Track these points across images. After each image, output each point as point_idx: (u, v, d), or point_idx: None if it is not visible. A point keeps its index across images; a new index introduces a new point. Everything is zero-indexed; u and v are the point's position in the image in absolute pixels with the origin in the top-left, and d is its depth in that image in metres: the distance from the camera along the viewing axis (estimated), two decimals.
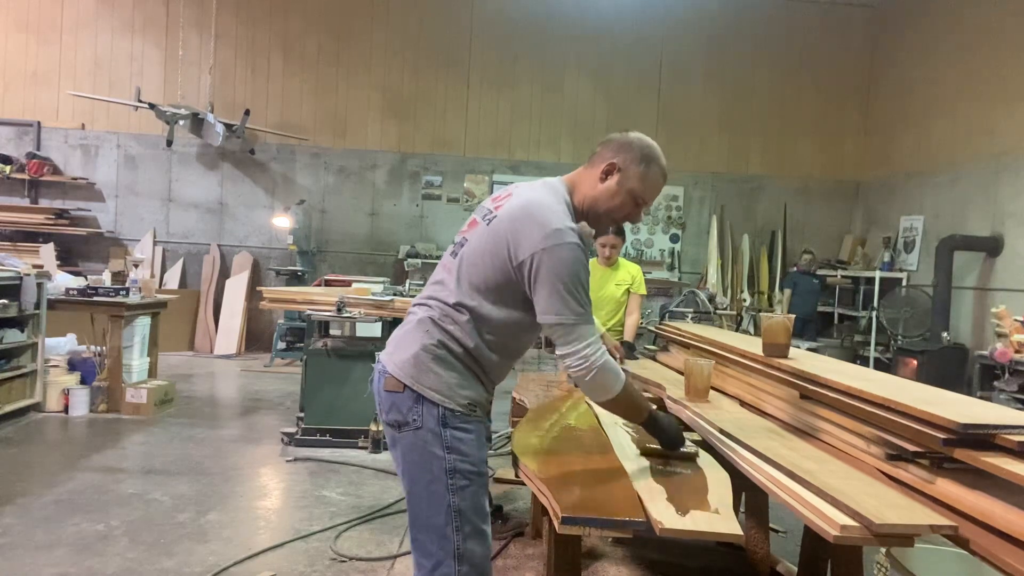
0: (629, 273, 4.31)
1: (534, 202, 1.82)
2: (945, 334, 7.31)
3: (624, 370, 2.08)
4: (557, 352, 1.82)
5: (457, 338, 1.81)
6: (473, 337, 1.81)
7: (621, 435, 2.42)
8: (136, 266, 6.97)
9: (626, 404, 1.92)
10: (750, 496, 3.09)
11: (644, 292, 4.34)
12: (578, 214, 1.91)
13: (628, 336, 4.17)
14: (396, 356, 1.85)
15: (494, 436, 5.13)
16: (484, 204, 1.97)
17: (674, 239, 10.10)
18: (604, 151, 1.91)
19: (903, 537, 1.54)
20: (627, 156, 1.87)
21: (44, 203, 9.52)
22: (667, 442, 2.08)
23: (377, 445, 4.89)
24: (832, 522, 1.56)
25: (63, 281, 5.99)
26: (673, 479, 1.95)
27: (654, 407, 2.09)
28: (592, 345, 1.76)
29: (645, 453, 2.16)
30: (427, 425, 1.78)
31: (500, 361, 1.89)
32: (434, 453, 1.78)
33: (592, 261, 4.27)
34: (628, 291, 4.29)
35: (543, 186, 1.92)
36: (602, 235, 4.02)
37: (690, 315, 5.73)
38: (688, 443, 2.17)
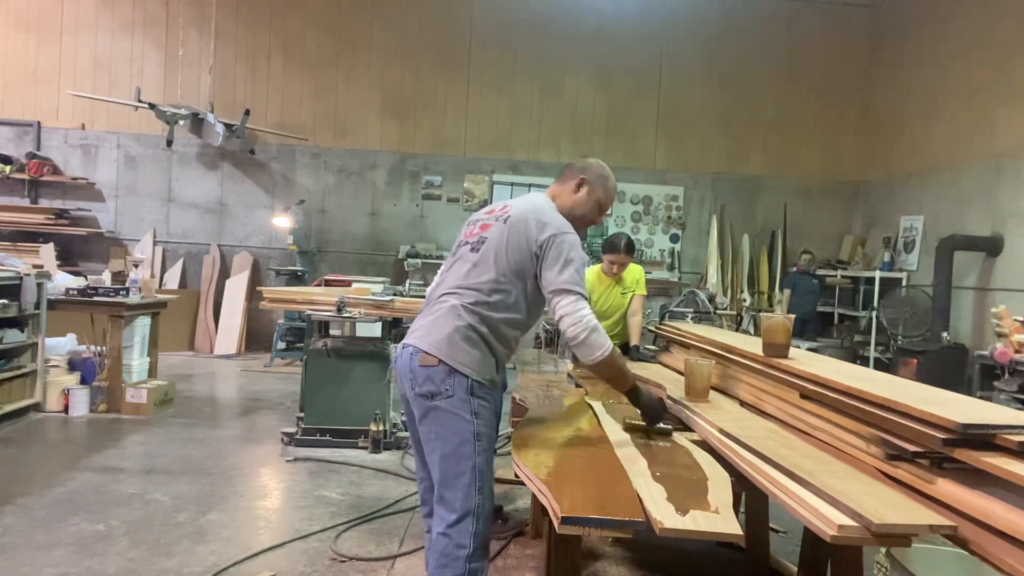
0: (633, 278, 4.31)
1: (542, 206, 2.31)
2: (945, 334, 7.31)
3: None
4: (557, 314, 2.14)
5: (485, 319, 2.16)
6: (495, 318, 2.17)
7: (620, 434, 2.43)
8: (136, 266, 6.95)
9: (613, 369, 2.26)
10: (750, 496, 3.09)
11: (644, 292, 4.34)
12: None
13: (634, 339, 4.16)
14: (429, 337, 2.15)
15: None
16: (480, 216, 2.37)
17: (674, 239, 10.10)
18: (571, 172, 2.42)
19: (902, 537, 1.54)
20: (591, 173, 2.40)
21: (44, 203, 9.53)
22: (648, 414, 2.40)
23: (377, 445, 4.89)
24: (830, 522, 1.56)
25: (63, 281, 5.98)
26: (673, 479, 1.95)
27: (639, 381, 2.42)
28: (586, 310, 2.14)
29: (627, 429, 2.45)
30: (458, 394, 2.11)
31: (512, 337, 2.25)
32: (463, 418, 2.10)
33: (596, 270, 4.29)
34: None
35: (538, 197, 2.38)
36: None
37: (690, 315, 5.71)
38: (666, 420, 2.46)
